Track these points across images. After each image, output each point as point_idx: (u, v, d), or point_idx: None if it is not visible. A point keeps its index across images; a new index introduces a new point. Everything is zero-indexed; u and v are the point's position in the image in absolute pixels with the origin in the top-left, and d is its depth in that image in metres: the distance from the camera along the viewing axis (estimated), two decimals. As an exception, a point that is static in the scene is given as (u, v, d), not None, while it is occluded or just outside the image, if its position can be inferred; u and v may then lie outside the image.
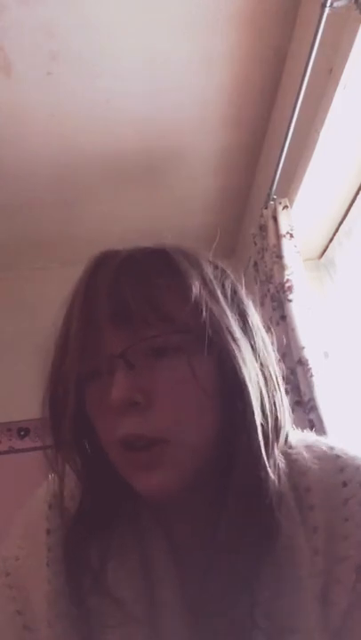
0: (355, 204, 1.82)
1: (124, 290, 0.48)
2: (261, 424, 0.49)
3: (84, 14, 1.44)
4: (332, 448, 0.54)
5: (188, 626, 0.48)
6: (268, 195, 1.82)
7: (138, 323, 0.47)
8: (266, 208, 1.83)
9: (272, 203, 1.80)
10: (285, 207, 1.75)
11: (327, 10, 1.24)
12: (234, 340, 0.49)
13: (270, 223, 1.76)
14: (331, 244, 2.06)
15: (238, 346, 0.50)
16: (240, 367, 0.49)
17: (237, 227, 2.46)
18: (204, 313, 0.48)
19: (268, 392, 0.51)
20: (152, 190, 2.17)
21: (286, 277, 1.64)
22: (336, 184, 1.73)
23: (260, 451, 0.48)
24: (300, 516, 0.49)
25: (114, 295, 0.48)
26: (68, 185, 2.08)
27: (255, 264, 1.93)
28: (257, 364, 0.51)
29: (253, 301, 0.57)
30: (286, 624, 0.46)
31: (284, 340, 1.59)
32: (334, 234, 2.00)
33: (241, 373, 0.48)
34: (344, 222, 1.92)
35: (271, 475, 0.48)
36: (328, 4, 1.23)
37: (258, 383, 0.50)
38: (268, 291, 1.75)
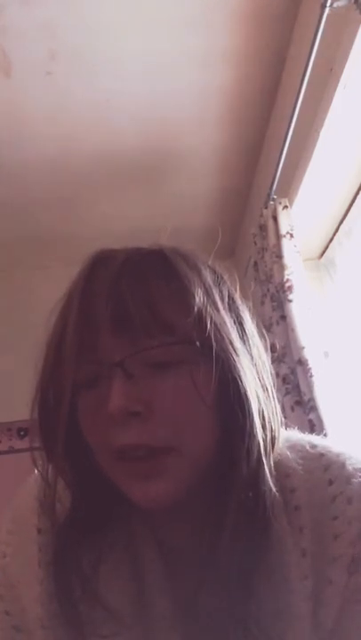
0: (355, 204, 1.81)
1: (125, 294, 0.46)
2: (262, 436, 0.48)
3: (84, 14, 1.44)
4: (314, 446, 0.53)
5: (179, 632, 0.48)
6: (268, 195, 1.82)
7: (138, 331, 0.46)
8: (266, 208, 1.83)
9: (272, 203, 1.80)
10: (285, 207, 1.75)
11: (327, 10, 1.24)
12: (235, 350, 0.49)
13: (270, 223, 1.76)
14: (331, 244, 2.06)
15: (239, 356, 0.49)
16: (241, 379, 0.48)
17: (237, 227, 2.46)
18: (208, 324, 0.47)
19: (265, 402, 0.51)
20: (152, 190, 2.17)
21: (286, 277, 1.64)
22: (336, 184, 1.73)
23: (262, 463, 0.47)
24: (286, 517, 0.48)
25: (114, 299, 0.46)
26: (68, 184, 2.08)
27: (255, 264, 1.93)
28: (256, 375, 0.51)
29: (248, 306, 0.56)
30: (279, 627, 0.45)
31: (284, 340, 1.59)
32: (334, 234, 2.00)
33: (243, 385, 0.48)
34: (344, 222, 1.92)
35: (271, 485, 0.48)
36: (328, 4, 1.23)
37: (257, 394, 0.50)
38: (268, 291, 1.75)
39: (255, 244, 1.92)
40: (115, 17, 1.46)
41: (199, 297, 0.48)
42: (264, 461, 0.48)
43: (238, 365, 0.48)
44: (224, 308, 0.51)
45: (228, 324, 0.50)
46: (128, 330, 0.46)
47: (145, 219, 2.21)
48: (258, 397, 0.49)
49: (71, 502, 0.52)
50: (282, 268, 1.66)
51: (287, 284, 1.63)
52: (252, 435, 0.47)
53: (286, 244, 1.69)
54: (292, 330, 1.56)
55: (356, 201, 1.80)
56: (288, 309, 1.60)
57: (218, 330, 0.48)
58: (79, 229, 2.30)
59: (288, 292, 1.62)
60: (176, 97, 1.75)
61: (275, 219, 1.75)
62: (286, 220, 1.73)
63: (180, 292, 0.48)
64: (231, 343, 0.49)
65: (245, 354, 0.51)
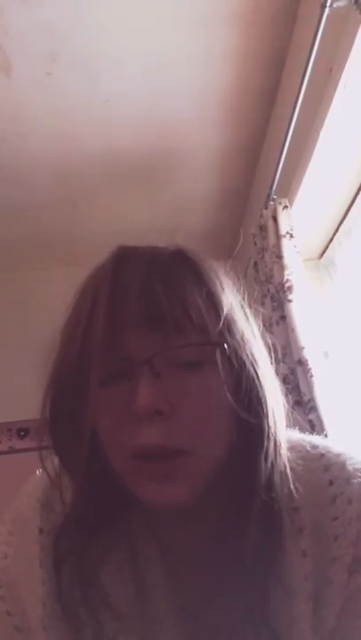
0: (355, 204, 1.82)
1: (158, 292, 0.46)
2: (278, 438, 0.49)
3: (84, 15, 1.44)
4: (315, 446, 0.54)
5: (181, 632, 0.48)
6: (268, 195, 1.82)
7: (171, 328, 0.45)
8: (266, 208, 1.83)
9: (272, 203, 1.80)
10: (285, 207, 1.75)
11: (327, 10, 1.24)
12: (255, 354, 0.50)
13: (270, 223, 1.76)
14: (331, 244, 2.06)
15: (258, 360, 0.50)
16: (262, 383, 0.48)
17: (237, 227, 2.46)
18: (236, 328, 0.48)
19: (279, 405, 0.51)
20: (152, 190, 2.17)
21: (286, 277, 1.64)
22: (336, 184, 1.73)
23: (279, 464, 0.48)
24: (288, 518, 0.48)
25: (146, 296, 0.46)
26: (68, 185, 2.08)
27: (255, 264, 1.93)
28: (271, 378, 0.52)
29: (253, 309, 0.57)
30: (281, 628, 0.46)
31: (284, 340, 1.59)
32: (334, 234, 2.00)
33: (263, 389, 0.48)
34: (344, 222, 1.92)
35: (284, 487, 0.48)
36: (328, 4, 1.23)
37: (274, 397, 0.50)
38: (268, 291, 1.75)
39: (255, 244, 1.92)
40: (115, 17, 1.46)
41: (228, 300, 0.49)
42: (282, 463, 0.48)
43: (259, 369, 0.49)
44: (244, 313, 0.53)
45: (248, 330, 0.51)
46: (160, 327, 0.45)
47: (145, 219, 2.21)
48: (275, 400, 0.50)
49: (75, 502, 0.51)
50: (282, 268, 1.66)
51: (287, 285, 1.63)
52: (270, 437, 0.48)
53: (286, 245, 1.69)
54: (292, 330, 1.56)
55: (357, 201, 1.80)
56: (288, 309, 1.60)
57: (243, 334, 0.49)
58: (79, 230, 2.30)
59: (288, 292, 1.62)
60: (176, 97, 1.75)
61: (275, 219, 1.75)
62: (286, 220, 1.73)
63: (211, 295, 0.49)
64: (252, 347, 0.50)
65: (261, 358, 0.51)
